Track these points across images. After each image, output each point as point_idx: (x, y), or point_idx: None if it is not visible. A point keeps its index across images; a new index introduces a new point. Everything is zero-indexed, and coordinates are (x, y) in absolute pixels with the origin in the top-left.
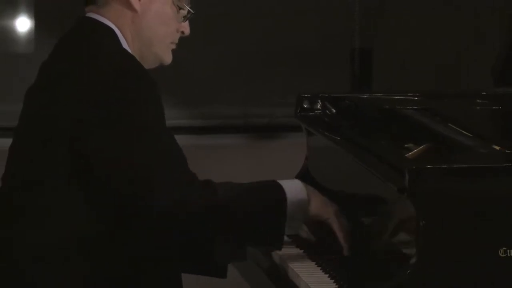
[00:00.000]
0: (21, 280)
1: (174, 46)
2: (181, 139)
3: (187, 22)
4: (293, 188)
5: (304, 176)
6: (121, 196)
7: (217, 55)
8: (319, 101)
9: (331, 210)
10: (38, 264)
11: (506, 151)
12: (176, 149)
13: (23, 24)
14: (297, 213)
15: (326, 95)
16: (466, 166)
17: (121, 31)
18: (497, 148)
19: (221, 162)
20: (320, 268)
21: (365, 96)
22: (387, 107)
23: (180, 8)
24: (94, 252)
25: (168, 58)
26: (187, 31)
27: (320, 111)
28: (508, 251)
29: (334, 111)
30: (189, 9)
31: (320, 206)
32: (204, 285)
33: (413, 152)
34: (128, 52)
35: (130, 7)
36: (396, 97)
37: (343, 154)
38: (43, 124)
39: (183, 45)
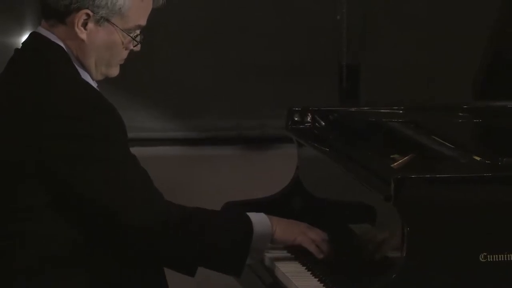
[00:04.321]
0: None
1: (122, 62)
2: (178, 150)
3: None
4: (259, 222)
5: (295, 185)
6: (99, 215)
7: (212, 71)
8: (309, 114)
9: (297, 231)
10: (30, 279)
11: (486, 161)
12: (142, 170)
13: None
14: (259, 245)
15: (316, 108)
16: (449, 176)
17: (70, 51)
18: (477, 158)
19: (216, 172)
20: (310, 272)
21: (353, 109)
22: (373, 119)
23: (130, 34)
24: (83, 266)
25: (114, 73)
26: (137, 49)
27: (310, 124)
28: (489, 256)
29: (323, 123)
30: (133, 38)
31: (283, 232)
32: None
33: (398, 162)
34: (87, 82)
35: (77, 36)
36: (382, 111)
37: (332, 164)
38: (13, 155)
39: (180, 63)
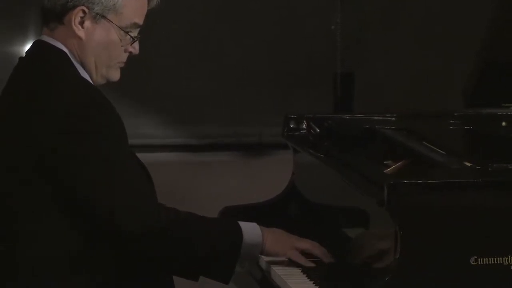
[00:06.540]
0: None
1: (122, 65)
2: (178, 156)
3: (136, 42)
4: (250, 231)
5: (291, 190)
6: (97, 218)
7: (212, 79)
8: (304, 121)
9: (287, 245)
10: (31, 280)
11: (477, 167)
12: (140, 170)
13: None
14: (249, 254)
15: (311, 115)
16: (440, 181)
17: (71, 53)
18: (468, 164)
19: (215, 177)
20: (306, 275)
21: (347, 116)
22: (367, 126)
23: (128, 32)
24: (84, 266)
25: (114, 77)
26: (135, 51)
27: (305, 131)
28: (479, 259)
29: (318, 130)
30: (131, 36)
31: (274, 245)
32: None
33: (391, 168)
34: (87, 81)
35: (75, 34)
36: (376, 118)
37: (327, 170)
38: (14, 156)
39: (179, 71)
